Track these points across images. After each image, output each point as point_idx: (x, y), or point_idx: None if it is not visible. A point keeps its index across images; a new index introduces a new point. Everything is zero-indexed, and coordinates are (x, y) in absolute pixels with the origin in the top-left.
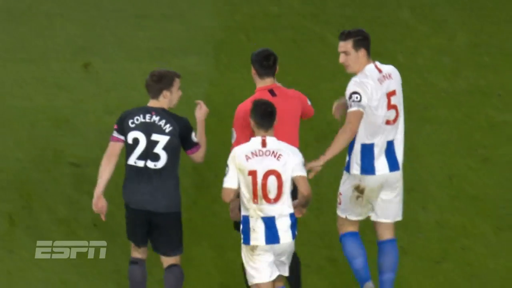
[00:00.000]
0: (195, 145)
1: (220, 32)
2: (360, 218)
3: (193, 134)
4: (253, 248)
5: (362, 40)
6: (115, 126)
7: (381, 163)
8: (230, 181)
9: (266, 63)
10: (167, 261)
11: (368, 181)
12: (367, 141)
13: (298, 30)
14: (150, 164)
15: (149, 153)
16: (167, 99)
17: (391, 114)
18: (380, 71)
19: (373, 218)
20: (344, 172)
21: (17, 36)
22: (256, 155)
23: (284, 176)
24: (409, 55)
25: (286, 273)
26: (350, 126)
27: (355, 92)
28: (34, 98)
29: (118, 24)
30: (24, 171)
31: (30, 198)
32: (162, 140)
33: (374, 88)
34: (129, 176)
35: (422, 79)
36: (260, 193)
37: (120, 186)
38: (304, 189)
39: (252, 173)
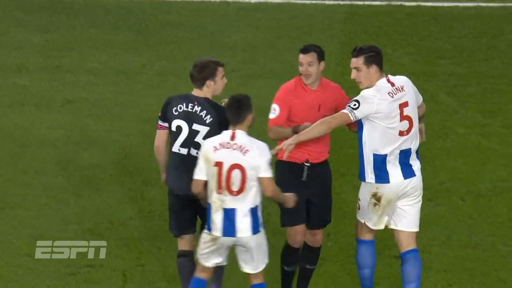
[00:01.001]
0: None
1: None
2: (375, 227)
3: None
4: (214, 239)
5: (373, 56)
6: (159, 114)
7: (395, 171)
8: (200, 173)
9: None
10: None
11: (384, 189)
12: (380, 152)
13: None
14: (193, 152)
15: (191, 142)
16: (211, 89)
17: (404, 125)
18: (392, 84)
19: (392, 226)
20: (361, 180)
21: (130, 93)
22: (224, 147)
23: (249, 172)
24: None
25: (251, 270)
26: (331, 122)
27: (357, 100)
28: (147, 157)
29: (228, 82)
30: (136, 228)
31: (143, 255)
32: (202, 130)
33: (382, 101)
34: (174, 163)
35: None
36: (224, 184)
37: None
38: (267, 190)
39: (218, 164)
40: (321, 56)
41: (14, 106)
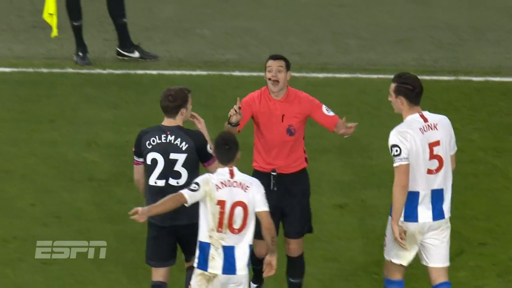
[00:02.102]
0: (211, 157)
1: None
2: (402, 262)
3: (208, 147)
4: (210, 279)
5: (403, 88)
6: (134, 149)
7: (424, 211)
8: (192, 199)
9: None
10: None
11: (408, 226)
12: (410, 189)
13: (479, 164)
14: (173, 181)
15: (169, 172)
16: (183, 116)
17: (433, 164)
18: (425, 120)
19: (424, 263)
20: (389, 216)
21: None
22: (226, 185)
23: (250, 208)
24: None
25: None
26: (398, 183)
27: (394, 145)
28: None
29: None
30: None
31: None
32: (180, 158)
33: (413, 137)
34: (152, 196)
35: None
36: (226, 222)
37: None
38: (267, 222)
39: (221, 203)
40: (288, 66)
41: (84, 182)
